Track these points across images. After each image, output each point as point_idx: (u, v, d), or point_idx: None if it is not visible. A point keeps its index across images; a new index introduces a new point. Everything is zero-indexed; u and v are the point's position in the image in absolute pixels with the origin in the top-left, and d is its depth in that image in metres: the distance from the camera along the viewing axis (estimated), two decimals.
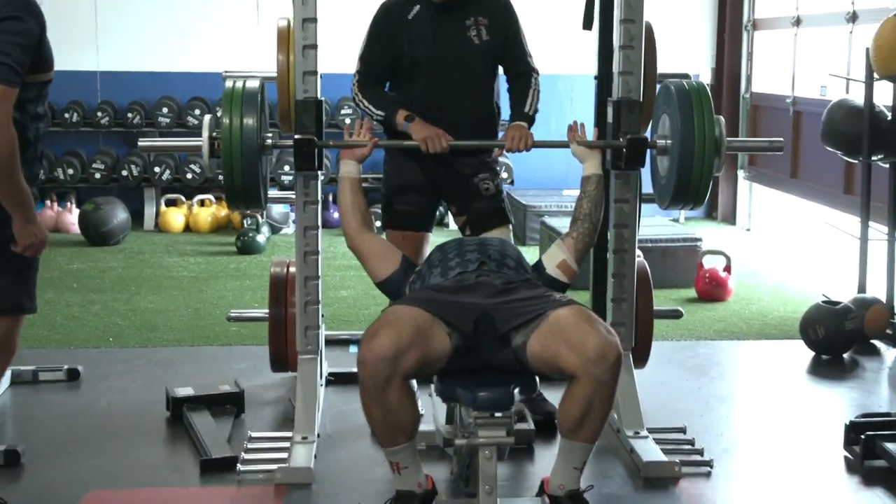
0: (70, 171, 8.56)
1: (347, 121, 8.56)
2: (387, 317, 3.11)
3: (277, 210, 8.39)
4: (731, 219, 9.07)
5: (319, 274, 4.07)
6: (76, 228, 8.16)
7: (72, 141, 8.79)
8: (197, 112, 8.59)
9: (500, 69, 4.17)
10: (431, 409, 3.77)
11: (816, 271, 7.04)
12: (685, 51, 9.16)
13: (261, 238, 7.70)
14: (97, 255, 7.54)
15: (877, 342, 5.32)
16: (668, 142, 3.82)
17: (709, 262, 6.40)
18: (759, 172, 8.68)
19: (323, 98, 4.01)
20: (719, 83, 9.11)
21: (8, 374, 4.58)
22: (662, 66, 8.94)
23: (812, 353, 5.16)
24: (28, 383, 4.63)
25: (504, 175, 8.62)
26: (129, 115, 8.69)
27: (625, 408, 4.01)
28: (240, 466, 3.67)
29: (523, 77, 4.13)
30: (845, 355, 5.14)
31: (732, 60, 9.00)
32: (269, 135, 3.81)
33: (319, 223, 4.05)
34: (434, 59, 4.03)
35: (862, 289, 5.55)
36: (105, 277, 6.82)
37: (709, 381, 4.77)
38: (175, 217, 8.49)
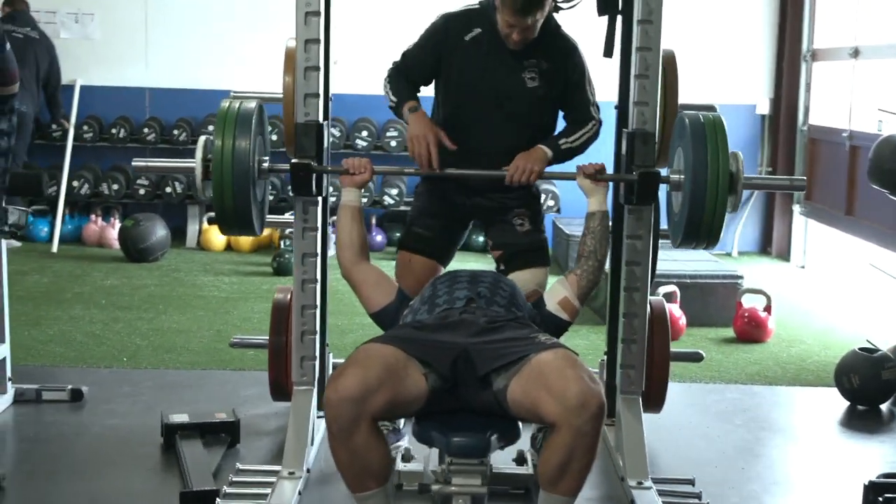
0: (115, 187, 8.56)
1: (363, 144, 8.50)
2: (356, 355, 2.97)
3: None
4: (785, 255, 8.78)
5: (317, 303, 3.93)
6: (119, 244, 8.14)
7: (118, 156, 8.78)
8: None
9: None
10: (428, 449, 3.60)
11: (867, 315, 6.73)
12: (743, 80, 8.95)
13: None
14: (133, 271, 7.50)
15: None
16: (682, 177, 3.62)
17: (749, 301, 6.14)
18: (815, 208, 8.39)
19: (331, 119, 3.88)
20: (777, 114, 8.85)
21: (11, 391, 4.53)
22: (721, 96, 8.88)
23: (847, 403, 4.89)
24: (31, 402, 4.56)
25: (551, 203, 8.44)
26: (176, 131, 8.67)
27: (630, 455, 3.81)
28: (219, 501, 3.52)
29: (581, 121, 3.95)
30: (883, 406, 4.87)
31: (791, 91, 8.74)
32: (266, 158, 3.69)
33: (319, 250, 3.91)
34: (474, 90, 3.86)
35: None
36: (136, 295, 6.76)
37: (731, 430, 4.53)
38: (217, 235, 8.43)
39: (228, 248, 8.44)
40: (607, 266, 3.87)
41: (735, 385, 5.18)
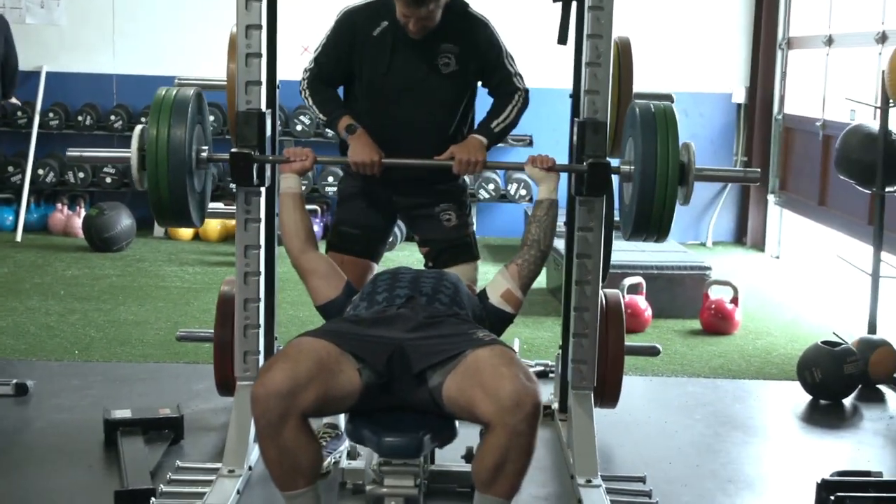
0: (81, 175, 8.44)
1: (300, 128, 8.40)
2: (286, 349, 2.87)
3: None
4: (760, 245, 8.70)
5: (261, 296, 3.83)
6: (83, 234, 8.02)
7: (85, 143, 8.57)
8: (212, 119, 8.41)
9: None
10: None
11: (835, 307, 6.64)
12: (719, 69, 8.86)
13: None
14: (96, 261, 7.38)
15: (883, 388, 4.96)
16: (632, 168, 3.52)
17: (716, 293, 6.06)
18: (790, 198, 8.30)
19: (279, 107, 3.77)
20: (753, 103, 8.75)
21: None
22: (697, 84, 8.78)
23: (809, 398, 4.81)
24: None
25: (523, 192, 8.36)
26: (144, 119, 8.53)
27: (579, 453, 3.71)
28: (153, 500, 3.42)
29: (506, 94, 3.85)
30: (846, 401, 4.79)
31: (766, 80, 8.64)
32: (205, 148, 3.58)
33: (262, 242, 3.80)
34: (388, 84, 3.76)
35: (872, 328, 5.19)
36: (96, 286, 6.65)
37: (690, 425, 4.44)
38: None
39: (196, 237, 8.32)
40: (559, 257, 3.77)
41: (697, 378, 5.09)
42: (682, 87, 8.77)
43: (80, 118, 8.55)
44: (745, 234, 8.84)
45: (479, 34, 3.78)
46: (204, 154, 3.56)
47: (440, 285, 3.25)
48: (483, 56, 3.78)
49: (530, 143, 8.39)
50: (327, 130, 7.92)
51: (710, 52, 8.86)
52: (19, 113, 8.48)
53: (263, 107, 3.70)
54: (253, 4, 3.67)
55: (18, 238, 8.04)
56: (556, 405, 4.34)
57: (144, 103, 8.61)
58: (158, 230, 8.43)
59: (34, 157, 8.35)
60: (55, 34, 8.78)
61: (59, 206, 8.48)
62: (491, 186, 8.38)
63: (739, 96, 8.84)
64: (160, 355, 5.19)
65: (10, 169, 8.44)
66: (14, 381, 4.51)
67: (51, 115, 8.52)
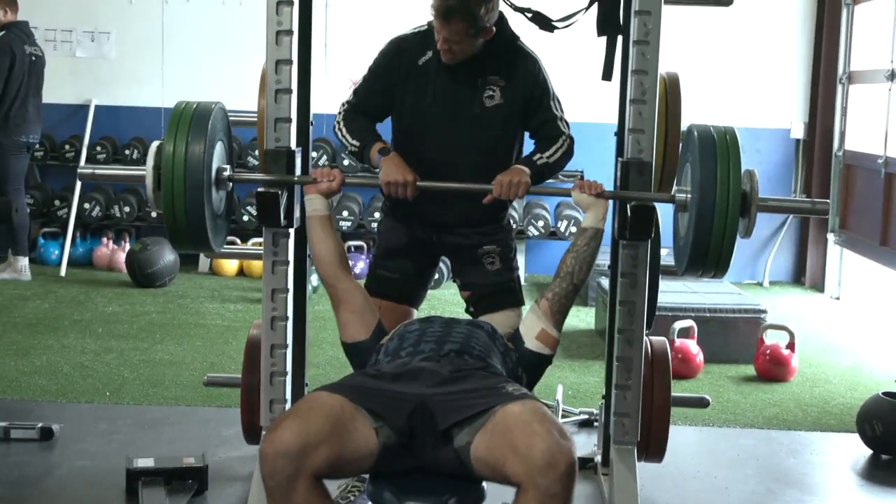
0: (127, 209, 8.36)
1: (321, 162, 8.22)
2: (298, 406, 2.70)
3: None
4: (819, 286, 8.40)
5: (288, 342, 3.67)
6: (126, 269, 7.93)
7: (132, 178, 8.58)
8: (257, 152, 8.32)
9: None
10: None
11: None
12: (778, 103, 8.61)
13: (308, 287, 7.32)
14: (138, 297, 7.28)
15: None
16: (688, 196, 3.30)
17: (772, 337, 5.81)
18: (850, 237, 8.02)
19: (315, 141, 3.63)
20: (812, 139, 8.49)
21: None
22: (754, 119, 8.54)
23: (870, 452, 4.55)
24: None
25: (573, 229, 8.14)
26: None
27: None
28: None
29: (550, 137, 3.67)
30: None
31: (826, 115, 8.37)
32: (226, 166, 3.41)
33: (290, 285, 3.65)
34: (431, 115, 3.61)
35: None
36: (135, 323, 6.53)
37: (740, 480, 4.20)
38: (229, 260, 8.21)
39: (241, 273, 8.21)
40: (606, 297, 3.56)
41: (750, 429, 4.84)
42: (739, 121, 8.48)
43: (126, 152, 8.49)
44: (804, 273, 8.56)
45: (527, 69, 3.64)
46: (226, 173, 3.40)
47: (472, 338, 3.07)
48: (529, 92, 3.62)
49: (581, 179, 8.18)
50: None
51: (768, 87, 8.62)
52: (67, 147, 8.45)
53: (293, 144, 3.55)
54: (283, 39, 3.55)
55: (63, 272, 7.97)
56: (598, 458, 4.13)
57: None
58: (203, 265, 8.33)
59: (80, 191, 8.30)
60: (105, 67, 8.75)
61: (104, 240, 8.41)
62: (540, 223, 8.17)
63: (798, 132, 8.58)
64: (192, 398, 5.04)
65: (57, 203, 8.39)
66: (39, 424, 4.38)
67: (98, 148, 8.47)
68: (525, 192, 3.51)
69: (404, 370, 2.85)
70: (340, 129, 3.70)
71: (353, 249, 8.13)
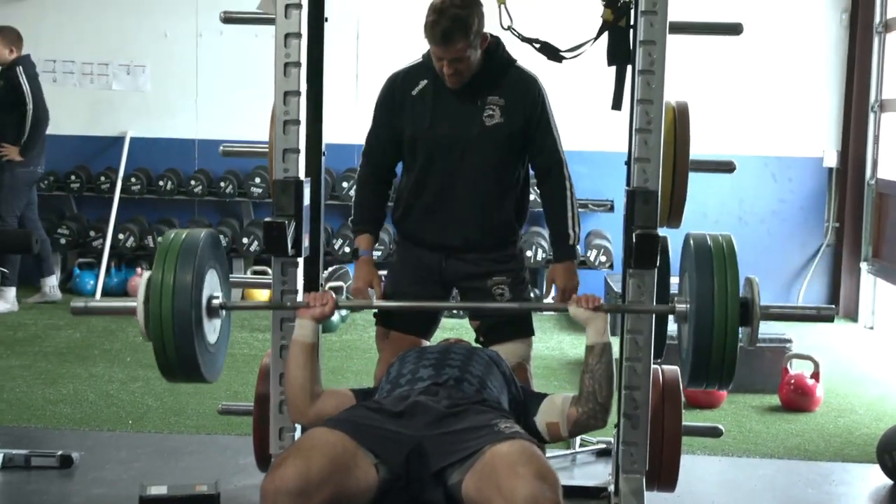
0: (160, 239, 8.43)
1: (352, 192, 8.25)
2: (300, 443, 2.74)
3: None
4: (853, 315, 8.31)
5: None
6: None
7: (166, 209, 8.72)
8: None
9: None
10: None
11: None
12: (809, 132, 8.55)
13: (335, 317, 7.38)
14: None
15: None
16: (687, 306, 3.27)
17: (797, 367, 5.76)
18: (884, 266, 7.94)
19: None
20: (844, 167, 8.43)
21: None
22: (786, 148, 8.49)
23: (890, 483, 4.49)
24: (20, 468, 4.37)
25: (603, 258, 8.10)
26: (223, 184, 8.55)
27: None
28: None
29: (553, 175, 3.72)
30: None
31: (858, 144, 8.31)
32: (217, 295, 3.38)
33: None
34: (431, 140, 3.66)
35: None
36: None
37: None
38: (261, 289, 8.27)
39: None
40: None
41: (770, 459, 4.80)
42: (771, 150, 8.53)
43: (161, 183, 8.60)
44: (838, 303, 8.47)
45: (527, 88, 3.70)
46: (216, 301, 3.38)
47: (470, 363, 3.08)
48: (529, 112, 3.68)
49: (611, 209, 8.15)
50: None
51: (800, 115, 8.57)
52: (102, 178, 8.58)
53: (302, 175, 3.59)
54: (292, 70, 3.60)
55: None
56: (612, 487, 4.11)
57: (225, 168, 8.63)
58: (235, 295, 8.38)
59: (115, 222, 8.41)
60: (140, 100, 8.88)
61: (138, 270, 8.50)
62: None
63: (831, 160, 8.52)
64: (213, 426, 5.08)
65: (92, 233, 8.52)
66: (59, 452, 4.43)
67: (133, 179, 8.59)
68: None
69: (403, 407, 2.86)
70: (354, 190, 3.89)
71: (384, 279, 8.15)
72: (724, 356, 3.11)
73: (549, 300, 3.88)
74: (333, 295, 3.36)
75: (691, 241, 3.26)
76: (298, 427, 3.70)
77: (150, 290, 3.14)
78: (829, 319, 3.43)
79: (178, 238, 3.26)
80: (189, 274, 3.14)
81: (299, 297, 3.66)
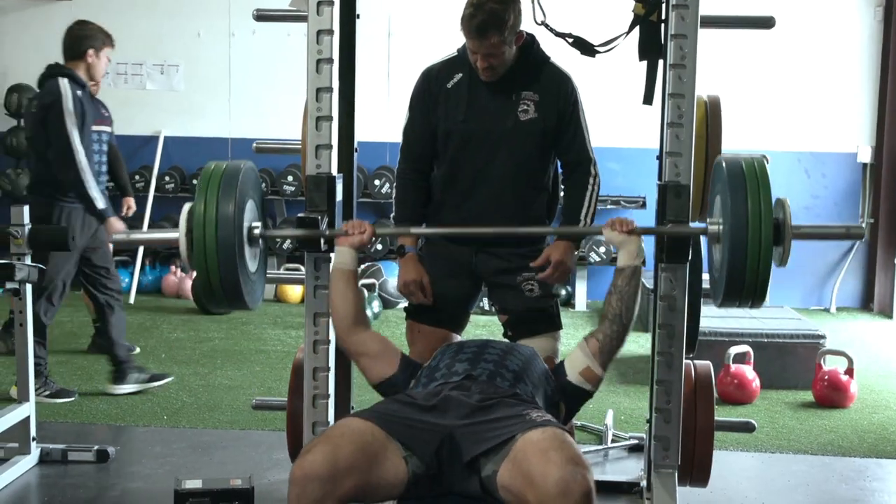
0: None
1: (384, 190, 8.37)
2: (331, 431, 2.75)
3: (393, 283, 8.11)
4: (888, 312, 8.26)
5: (330, 365, 3.71)
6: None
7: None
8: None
9: None
10: None
11: None
12: (844, 127, 8.51)
13: (369, 312, 7.41)
14: (202, 324, 7.41)
15: None
16: (720, 227, 3.29)
17: (831, 363, 5.73)
18: None
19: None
20: (879, 162, 8.38)
21: (36, 452, 4.42)
22: (820, 143, 8.45)
23: None
24: (57, 462, 4.44)
25: None
26: None
27: None
28: None
29: (579, 171, 3.73)
30: None
31: (893, 138, 8.26)
32: (257, 224, 3.43)
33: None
34: (466, 132, 3.67)
35: None
36: (197, 349, 6.65)
37: None
38: (293, 287, 8.32)
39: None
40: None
41: (803, 455, 4.78)
42: (805, 146, 8.50)
43: (195, 181, 8.64)
44: (872, 299, 8.43)
45: (561, 85, 3.70)
46: (257, 231, 3.42)
47: (506, 359, 3.09)
48: (563, 107, 3.68)
49: (643, 206, 8.14)
50: None
51: (834, 110, 8.54)
52: (137, 177, 8.64)
53: (334, 171, 3.61)
54: (324, 67, 3.60)
55: (132, 300, 8.15)
56: (644, 483, 4.11)
57: (258, 167, 8.64)
58: (268, 292, 8.44)
59: (150, 220, 8.48)
60: (173, 99, 8.96)
61: (172, 268, 8.58)
62: (602, 249, 8.15)
63: (865, 155, 8.48)
64: (247, 422, 5.11)
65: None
66: (96, 447, 4.49)
67: (167, 178, 8.67)
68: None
69: (435, 401, 2.87)
70: (394, 187, 3.85)
71: None
72: (758, 274, 3.11)
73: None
74: (370, 224, 3.40)
75: (724, 164, 3.25)
76: (332, 422, 3.72)
77: (192, 220, 3.15)
78: (859, 237, 3.42)
79: (218, 168, 3.27)
80: (231, 203, 3.17)
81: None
